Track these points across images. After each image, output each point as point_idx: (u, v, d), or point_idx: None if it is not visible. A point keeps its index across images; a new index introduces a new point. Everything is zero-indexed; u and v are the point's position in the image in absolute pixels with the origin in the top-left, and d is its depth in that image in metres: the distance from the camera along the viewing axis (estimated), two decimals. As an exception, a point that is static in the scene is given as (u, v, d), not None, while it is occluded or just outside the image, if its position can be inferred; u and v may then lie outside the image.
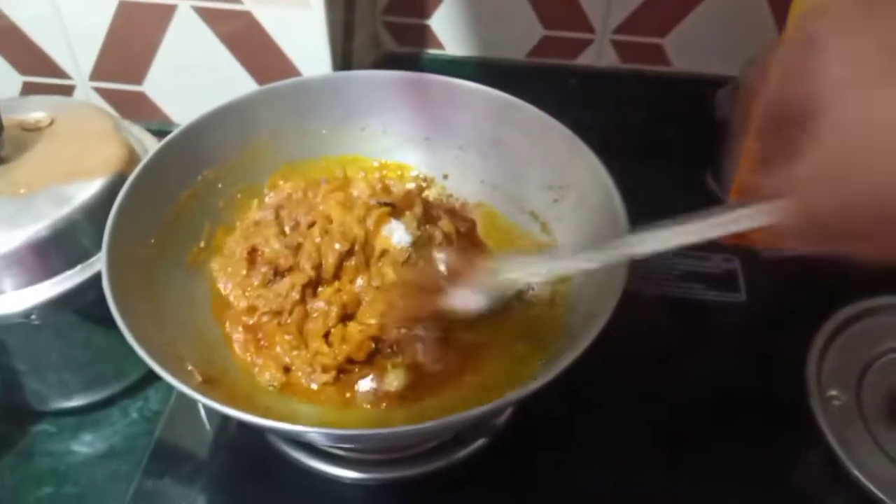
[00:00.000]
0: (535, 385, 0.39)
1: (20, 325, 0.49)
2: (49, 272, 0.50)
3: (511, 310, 0.50)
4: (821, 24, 0.28)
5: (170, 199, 0.51)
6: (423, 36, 0.76)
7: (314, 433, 0.40)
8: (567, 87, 0.77)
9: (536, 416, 0.52)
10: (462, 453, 0.50)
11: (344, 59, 0.68)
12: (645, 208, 0.66)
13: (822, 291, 0.58)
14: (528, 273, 0.47)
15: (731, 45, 0.70)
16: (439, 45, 0.77)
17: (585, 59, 0.76)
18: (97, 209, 0.49)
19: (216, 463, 0.52)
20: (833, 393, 0.52)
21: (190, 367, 0.44)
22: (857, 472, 0.48)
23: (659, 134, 0.75)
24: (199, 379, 0.44)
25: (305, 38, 0.63)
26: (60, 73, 0.71)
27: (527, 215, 0.55)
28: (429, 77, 0.55)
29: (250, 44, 0.65)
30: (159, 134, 0.55)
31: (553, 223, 0.54)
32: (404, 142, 0.57)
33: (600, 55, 0.75)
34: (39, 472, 0.53)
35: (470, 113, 0.55)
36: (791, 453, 0.51)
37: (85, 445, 0.55)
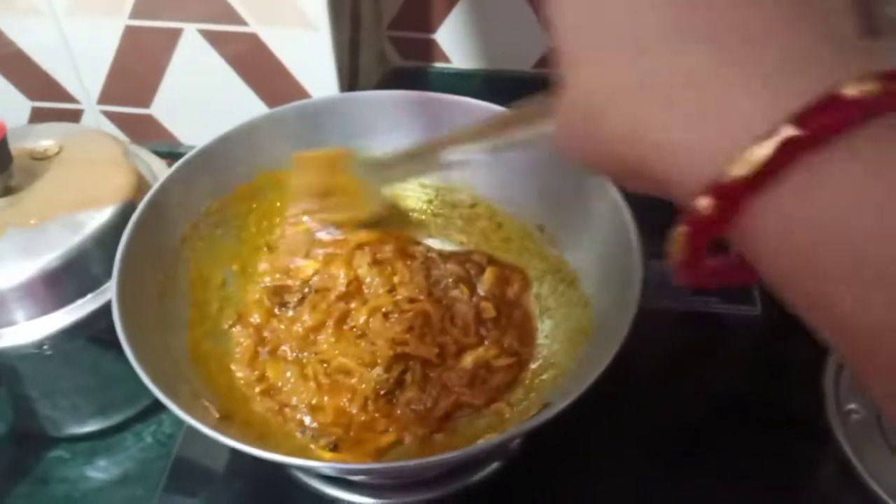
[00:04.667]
0: (546, 415, 0.39)
1: (33, 354, 0.49)
2: (61, 301, 0.50)
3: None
4: None
5: (179, 228, 0.51)
6: (429, 50, 0.76)
7: (326, 468, 0.40)
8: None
9: (551, 435, 0.51)
10: (478, 476, 0.50)
11: (351, 76, 0.68)
12: (660, 217, 0.67)
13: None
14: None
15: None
16: (445, 59, 0.77)
17: (593, 70, 0.75)
18: (108, 237, 0.49)
19: (233, 486, 0.52)
20: (852, 406, 0.52)
21: (206, 404, 0.44)
22: (876, 488, 0.47)
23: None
24: (216, 415, 0.43)
25: (312, 59, 0.63)
26: (69, 98, 0.71)
27: (534, 228, 0.55)
28: (429, 95, 0.55)
29: (257, 65, 0.65)
30: (169, 156, 0.55)
31: (561, 236, 0.54)
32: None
33: (608, 65, 0.74)
34: (54, 498, 0.54)
35: None
36: (808, 467, 0.51)
37: (99, 471, 0.55)
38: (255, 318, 0.53)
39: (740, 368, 0.57)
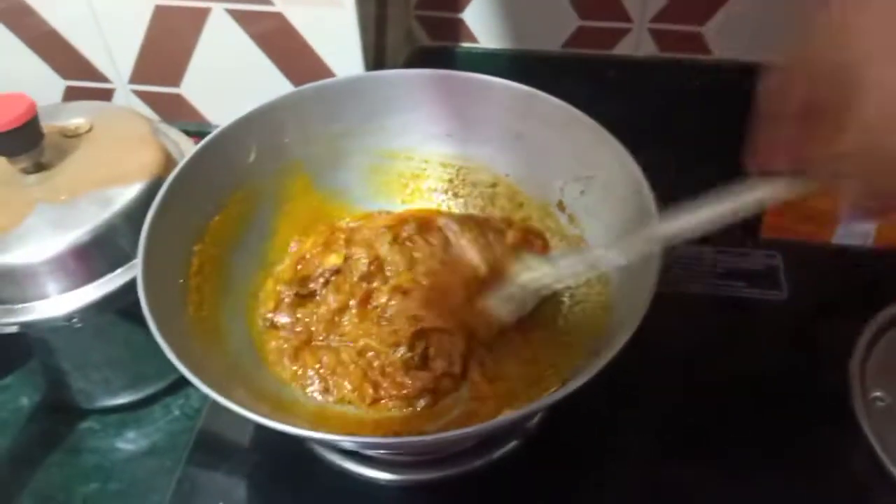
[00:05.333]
0: (564, 392, 0.38)
1: (64, 326, 0.50)
2: (91, 276, 0.51)
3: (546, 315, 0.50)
4: (849, 3, 0.28)
5: (206, 206, 0.52)
6: (457, 29, 0.76)
7: (346, 441, 0.41)
8: (605, 78, 0.75)
9: (572, 415, 0.51)
10: (497, 454, 0.50)
11: (377, 55, 0.67)
12: (686, 199, 0.66)
13: (867, 288, 0.56)
14: (559, 275, 0.46)
15: (774, 31, 0.67)
16: (473, 39, 0.76)
17: (623, 49, 0.74)
18: (136, 213, 0.50)
19: (255, 458, 0.53)
20: (878, 394, 0.51)
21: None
22: (902, 477, 0.47)
23: (700, 124, 0.73)
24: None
25: (337, 37, 0.63)
26: (101, 77, 0.72)
27: (554, 207, 0.55)
28: (448, 73, 0.55)
29: (283, 44, 0.65)
30: (198, 135, 0.56)
31: (581, 214, 0.53)
32: (426, 138, 0.57)
33: (638, 45, 0.73)
34: (86, 468, 0.55)
35: (492, 107, 0.55)
36: (832, 454, 0.50)
37: (129, 442, 0.57)
38: (282, 317, 0.54)
39: (766, 353, 0.56)
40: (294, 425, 0.38)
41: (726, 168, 0.68)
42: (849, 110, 0.28)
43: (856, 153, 0.28)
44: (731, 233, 0.63)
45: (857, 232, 0.60)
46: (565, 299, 0.53)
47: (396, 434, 0.46)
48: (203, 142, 0.51)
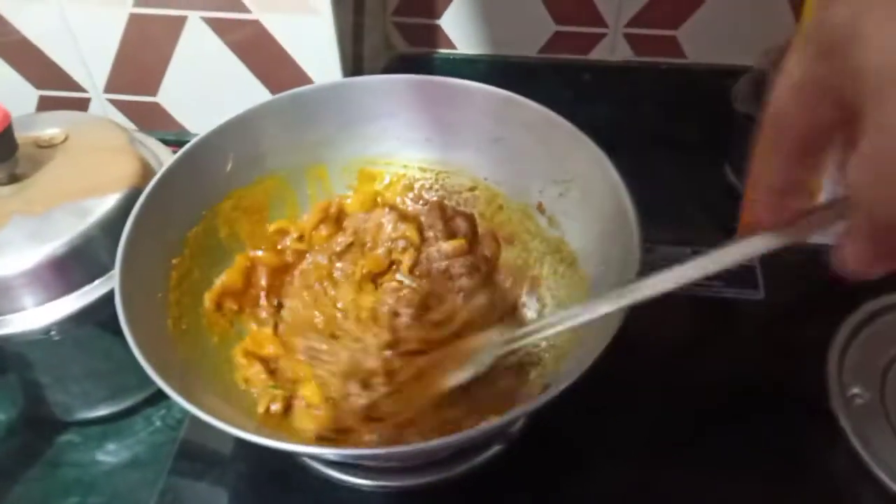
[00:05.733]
0: (546, 397, 0.38)
1: (41, 339, 0.50)
2: (68, 288, 0.50)
3: None
4: (847, 11, 0.25)
5: (185, 217, 0.51)
6: (435, 36, 0.76)
7: (322, 453, 0.41)
8: (581, 82, 0.76)
9: (554, 419, 0.51)
10: (480, 459, 0.50)
11: (355, 62, 0.68)
12: (664, 201, 0.67)
13: (846, 286, 0.57)
14: (533, 340, 0.46)
15: (748, 34, 0.68)
16: (451, 45, 0.76)
17: (599, 54, 0.75)
18: (113, 224, 0.49)
19: (238, 468, 0.52)
20: (856, 391, 0.51)
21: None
22: (879, 472, 0.47)
23: (676, 127, 0.74)
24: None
25: (314, 45, 0.63)
26: (75, 87, 0.71)
27: (534, 209, 0.55)
28: (425, 78, 0.55)
29: (260, 52, 0.65)
30: (176, 144, 0.56)
31: (560, 217, 0.54)
32: (405, 144, 0.57)
33: (614, 49, 0.74)
34: (66, 482, 0.54)
35: (470, 111, 0.55)
36: (812, 453, 0.50)
37: (110, 455, 0.56)
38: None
39: (743, 352, 0.56)
40: (274, 439, 0.38)
41: (706, 169, 0.69)
42: (864, 110, 0.24)
43: (874, 165, 0.24)
44: (707, 233, 0.64)
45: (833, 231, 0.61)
46: (547, 301, 0.53)
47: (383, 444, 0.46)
48: (179, 152, 0.51)
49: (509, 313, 0.54)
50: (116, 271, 0.44)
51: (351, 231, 0.56)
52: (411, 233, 0.56)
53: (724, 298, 0.59)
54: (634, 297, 0.39)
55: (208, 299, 0.51)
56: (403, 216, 0.57)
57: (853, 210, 0.27)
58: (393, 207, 0.57)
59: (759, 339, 0.58)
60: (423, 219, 0.57)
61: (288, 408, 0.49)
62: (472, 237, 0.57)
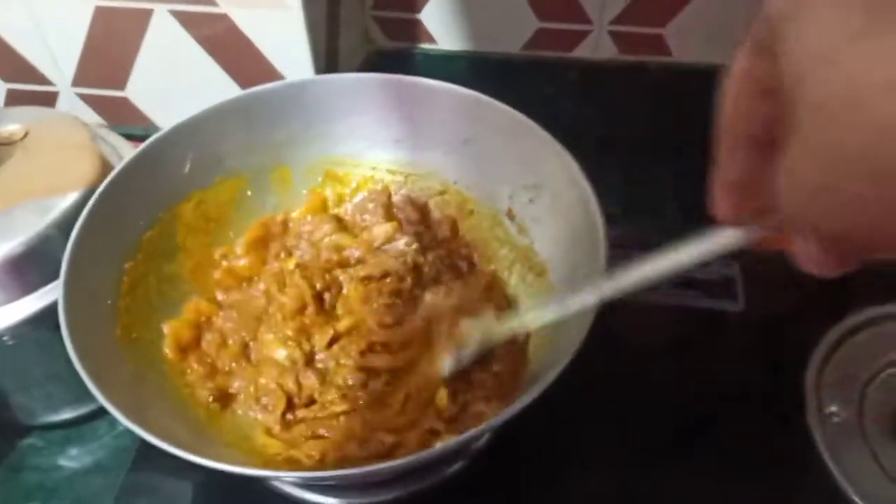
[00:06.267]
0: (509, 412, 0.37)
1: (-1, 343, 0.49)
2: (25, 289, 0.49)
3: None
4: (785, 7, 0.24)
5: (139, 220, 0.50)
6: (415, 30, 0.74)
7: (291, 477, 0.40)
8: (565, 80, 0.74)
9: (524, 428, 0.50)
10: (446, 472, 0.49)
11: (329, 56, 0.66)
12: (647, 202, 0.66)
13: (823, 300, 0.55)
14: (503, 332, 0.45)
15: (735, 33, 0.66)
16: (431, 40, 0.75)
17: (583, 51, 0.73)
18: (71, 224, 0.48)
19: (199, 477, 0.51)
20: (833, 409, 0.50)
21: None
22: (852, 494, 0.46)
23: (661, 126, 0.72)
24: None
25: (285, 40, 0.61)
26: (43, 80, 0.70)
27: (504, 216, 0.54)
28: (393, 77, 0.53)
29: (229, 47, 0.63)
30: (143, 139, 0.54)
31: (529, 224, 0.52)
32: (373, 144, 0.56)
33: (598, 47, 0.72)
34: (27, 486, 0.53)
35: (439, 111, 0.53)
36: (786, 470, 0.49)
37: (72, 460, 0.55)
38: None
39: (721, 363, 0.55)
40: (219, 460, 0.37)
41: (691, 168, 0.68)
42: (788, 128, 0.23)
43: (802, 168, 0.23)
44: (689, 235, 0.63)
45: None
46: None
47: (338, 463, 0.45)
48: (134, 152, 0.49)
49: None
50: (62, 275, 0.43)
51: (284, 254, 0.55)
52: (346, 241, 0.54)
53: (702, 308, 0.57)
54: (597, 295, 0.38)
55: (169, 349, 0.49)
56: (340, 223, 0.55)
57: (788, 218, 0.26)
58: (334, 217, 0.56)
59: (738, 350, 0.56)
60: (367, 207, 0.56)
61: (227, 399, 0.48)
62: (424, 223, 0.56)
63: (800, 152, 0.23)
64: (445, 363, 0.47)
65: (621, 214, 0.62)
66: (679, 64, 0.72)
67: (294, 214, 0.56)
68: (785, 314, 0.57)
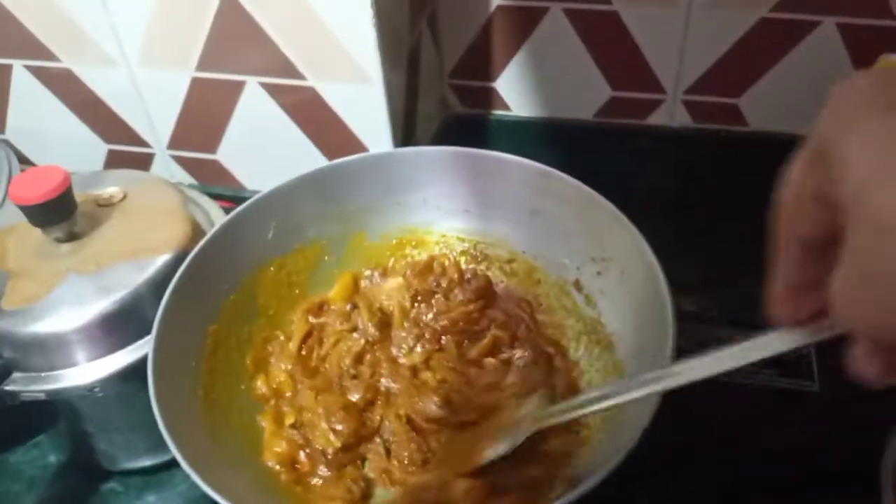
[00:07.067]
0: (572, 495, 0.37)
1: (86, 394, 0.51)
2: (116, 345, 0.52)
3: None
4: (834, 127, 0.25)
5: (223, 285, 0.53)
6: (490, 98, 0.76)
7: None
8: (638, 148, 0.74)
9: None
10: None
11: (406, 123, 0.68)
12: (720, 275, 0.64)
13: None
14: (562, 418, 0.44)
15: (812, 103, 0.66)
16: (506, 107, 0.76)
17: (657, 119, 0.73)
18: (162, 284, 0.51)
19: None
20: (911, 499, 0.48)
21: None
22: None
23: (734, 196, 0.71)
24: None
25: (366, 110, 0.64)
26: (141, 143, 0.75)
27: (571, 286, 0.54)
28: (464, 151, 0.55)
29: (314, 116, 0.66)
30: (234, 200, 0.57)
31: (597, 296, 0.53)
32: (445, 214, 0.58)
33: (672, 115, 0.73)
34: (107, 529, 0.55)
35: (508, 184, 0.55)
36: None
37: (149, 505, 0.57)
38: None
39: (792, 449, 0.53)
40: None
41: (759, 241, 0.66)
42: (843, 240, 0.24)
43: (855, 282, 0.24)
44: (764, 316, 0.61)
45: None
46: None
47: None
48: (223, 221, 0.52)
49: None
50: (153, 335, 0.45)
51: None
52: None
53: (776, 388, 0.56)
54: (664, 385, 0.38)
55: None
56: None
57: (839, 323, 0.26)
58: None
59: (813, 431, 0.54)
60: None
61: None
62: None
63: (854, 269, 0.24)
64: (491, 451, 0.46)
65: (694, 285, 0.61)
66: (754, 133, 0.71)
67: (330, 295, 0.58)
68: (861, 395, 0.55)
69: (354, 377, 0.52)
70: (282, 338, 0.55)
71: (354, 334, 0.54)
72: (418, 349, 0.53)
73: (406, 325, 0.54)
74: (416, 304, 0.56)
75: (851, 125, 0.24)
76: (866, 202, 0.23)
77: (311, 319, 0.56)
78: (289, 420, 0.51)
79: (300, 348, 0.54)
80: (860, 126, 0.24)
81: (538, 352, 0.53)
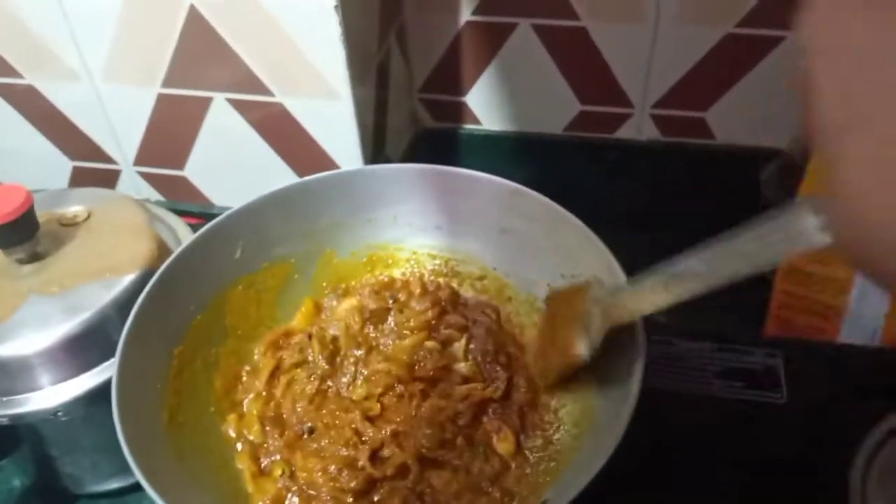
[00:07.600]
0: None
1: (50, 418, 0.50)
2: (81, 367, 0.51)
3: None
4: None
5: (189, 305, 0.52)
6: (460, 112, 0.76)
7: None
8: (606, 161, 0.75)
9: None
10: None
11: (376, 139, 0.68)
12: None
13: (871, 392, 0.54)
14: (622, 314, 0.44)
15: (778, 116, 0.67)
16: (476, 121, 0.77)
17: (625, 133, 0.74)
18: (127, 305, 0.50)
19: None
20: (879, 508, 0.49)
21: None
22: None
23: (703, 208, 0.72)
24: None
25: (335, 125, 0.64)
26: (107, 159, 0.74)
27: (542, 303, 0.54)
28: (434, 168, 0.56)
29: (283, 132, 0.66)
30: (201, 216, 0.56)
31: None
32: (415, 230, 0.58)
33: (640, 129, 0.73)
34: (73, 553, 0.54)
35: (478, 201, 0.55)
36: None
37: (117, 529, 0.56)
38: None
39: (762, 460, 0.53)
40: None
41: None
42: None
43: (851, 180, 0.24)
44: (732, 323, 0.62)
45: (864, 327, 0.58)
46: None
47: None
48: (189, 240, 0.51)
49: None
50: (117, 358, 0.44)
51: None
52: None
53: (744, 400, 0.57)
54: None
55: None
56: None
57: None
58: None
59: (780, 443, 0.55)
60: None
61: None
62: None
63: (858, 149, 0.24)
64: (582, 347, 0.45)
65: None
66: (721, 146, 0.72)
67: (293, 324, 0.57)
68: (830, 407, 0.56)
69: (311, 431, 0.51)
70: (248, 369, 0.54)
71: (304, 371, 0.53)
72: (360, 382, 0.52)
73: (355, 352, 0.54)
74: (366, 326, 0.55)
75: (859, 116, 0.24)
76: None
77: (278, 353, 0.55)
78: (276, 471, 0.50)
79: (267, 386, 0.53)
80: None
81: (499, 346, 0.54)
